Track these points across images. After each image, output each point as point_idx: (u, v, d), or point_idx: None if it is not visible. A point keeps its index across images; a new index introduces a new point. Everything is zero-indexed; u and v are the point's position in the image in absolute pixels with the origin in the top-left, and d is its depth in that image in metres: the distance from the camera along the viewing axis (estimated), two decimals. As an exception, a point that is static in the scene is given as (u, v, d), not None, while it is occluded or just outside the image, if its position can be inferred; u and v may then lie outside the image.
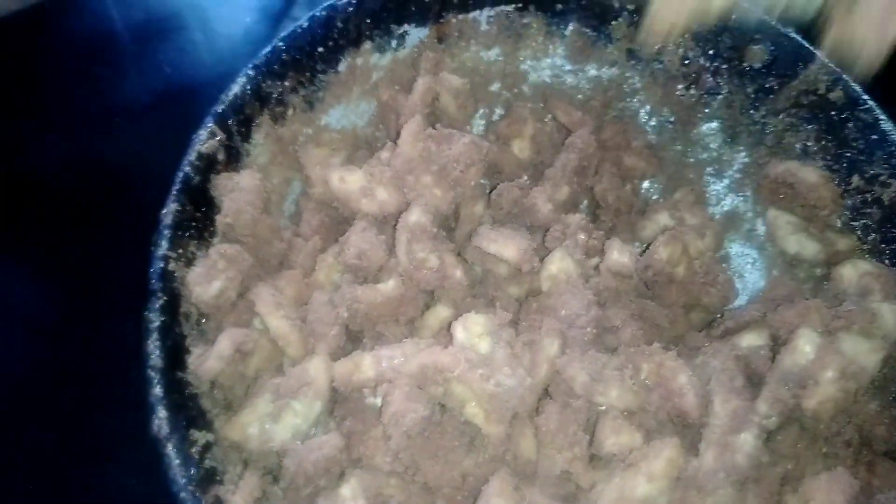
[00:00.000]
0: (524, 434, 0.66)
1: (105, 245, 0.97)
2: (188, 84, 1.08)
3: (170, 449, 0.62)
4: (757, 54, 0.83)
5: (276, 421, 0.67)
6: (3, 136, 1.04)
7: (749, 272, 0.88)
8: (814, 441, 0.68)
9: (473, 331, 0.68)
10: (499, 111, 0.93)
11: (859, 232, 0.80)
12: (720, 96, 0.87)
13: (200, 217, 0.72)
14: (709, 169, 0.91)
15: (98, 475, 0.86)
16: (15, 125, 1.05)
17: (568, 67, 0.92)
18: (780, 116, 0.85)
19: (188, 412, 0.66)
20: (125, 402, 0.69)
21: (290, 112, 0.80)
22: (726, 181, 0.90)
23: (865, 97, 0.78)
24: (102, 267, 0.96)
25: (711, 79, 0.87)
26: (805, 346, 0.66)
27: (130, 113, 1.06)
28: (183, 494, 0.61)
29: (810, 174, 0.79)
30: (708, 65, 0.86)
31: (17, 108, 1.07)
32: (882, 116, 0.77)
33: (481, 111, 0.92)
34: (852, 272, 0.77)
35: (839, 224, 0.81)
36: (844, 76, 0.79)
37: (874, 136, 0.78)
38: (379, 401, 0.69)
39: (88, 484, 0.86)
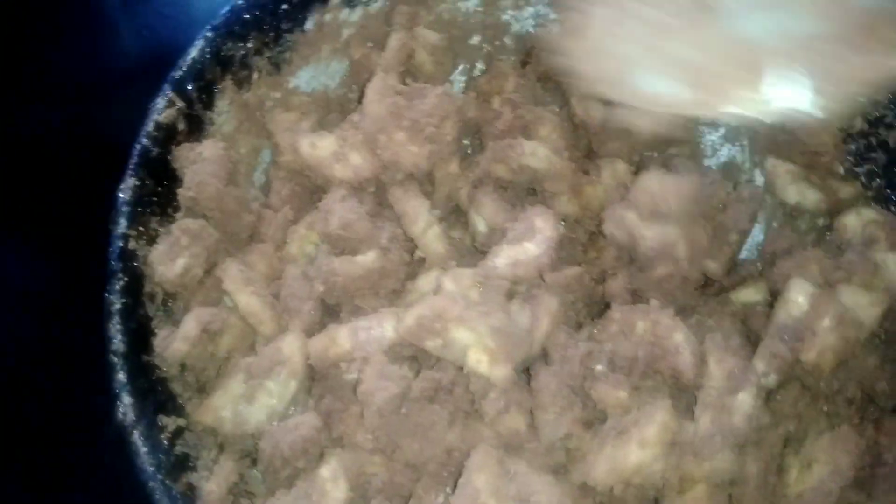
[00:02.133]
0: (511, 403, 0.62)
1: (98, 217, 0.94)
2: (172, 50, 1.04)
3: (136, 436, 0.59)
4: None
5: (250, 402, 0.64)
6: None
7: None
8: (815, 400, 0.64)
9: (463, 283, 0.64)
10: (480, 66, 0.88)
11: (863, 178, 0.76)
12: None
13: (162, 192, 0.68)
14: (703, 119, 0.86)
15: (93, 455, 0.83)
16: None
17: (553, 16, 0.86)
18: (777, 58, 0.79)
19: (156, 397, 0.63)
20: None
21: (255, 76, 0.76)
22: (721, 131, 0.85)
23: (868, 33, 0.73)
24: (95, 239, 0.92)
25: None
26: (798, 296, 0.62)
27: (114, 80, 1.02)
28: (152, 483, 0.59)
29: (809, 120, 0.74)
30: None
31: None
32: (886, 53, 0.72)
33: (461, 67, 0.87)
34: (856, 221, 0.73)
35: (842, 171, 0.77)
36: (845, 11, 0.73)
37: (878, 75, 0.73)
38: (356, 375, 0.66)
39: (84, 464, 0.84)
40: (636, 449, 0.57)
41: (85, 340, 0.84)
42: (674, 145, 0.82)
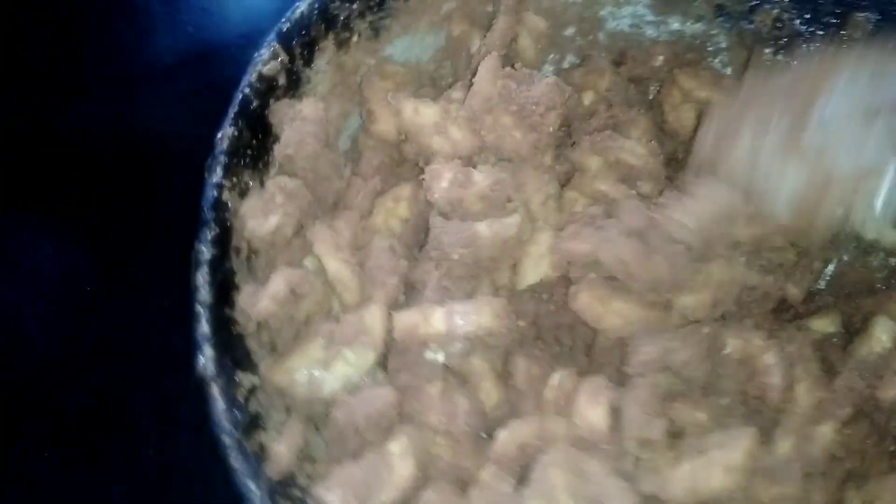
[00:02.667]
0: (596, 403, 0.62)
1: (135, 211, 0.95)
2: (211, 45, 1.03)
3: (215, 390, 0.58)
4: (860, 24, 0.77)
5: (326, 368, 0.64)
6: (29, 101, 1.01)
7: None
8: (882, 438, 0.65)
9: None
10: (570, 58, 0.87)
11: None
12: (811, 65, 0.82)
13: (257, 145, 0.67)
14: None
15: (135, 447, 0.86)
16: (39, 90, 1.02)
17: (650, 18, 0.85)
18: (875, 92, 0.79)
19: (235, 353, 0.62)
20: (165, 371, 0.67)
21: (354, 38, 0.74)
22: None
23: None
24: (133, 233, 0.93)
25: (805, 46, 0.81)
26: (882, 334, 0.63)
27: (154, 76, 1.03)
28: (227, 439, 0.58)
29: None
30: (804, 30, 0.80)
31: (40, 73, 1.03)
32: None
33: (551, 57, 0.86)
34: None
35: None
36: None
37: None
38: (440, 357, 0.65)
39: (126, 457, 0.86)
40: (721, 474, 0.57)
41: (120, 334, 0.87)
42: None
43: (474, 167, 0.68)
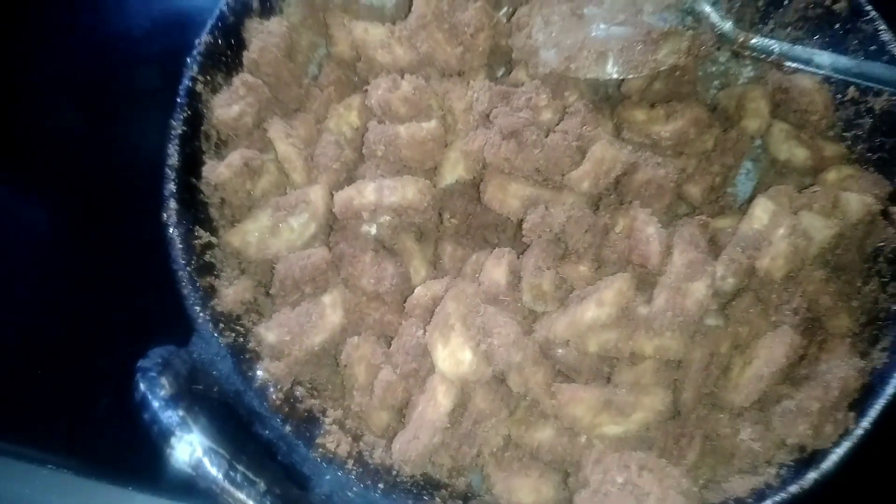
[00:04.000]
0: (498, 264, 0.71)
1: (110, 163, 1.00)
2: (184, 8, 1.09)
3: (174, 233, 0.70)
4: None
5: (273, 234, 0.75)
6: (5, 58, 1.08)
7: (742, 182, 0.91)
8: (765, 310, 0.71)
9: None
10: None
11: (849, 142, 0.83)
12: (733, 10, 0.91)
13: (231, 54, 0.80)
14: (716, 82, 0.94)
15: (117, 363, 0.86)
16: (18, 47, 1.09)
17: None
18: (788, 30, 0.88)
19: (196, 213, 0.74)
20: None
21: (323, -22, 0.88)
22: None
23: (868, 8, 0.81)
24: (107, 183, 0.98)
25: (725, -10, 0.90)
26: (761, 213, 0.70)
27: (128, 37, 1.10)
28: (181, 273, 0.69)
29: (805, 80, 0.82)
30: (722, -24, 0.90)
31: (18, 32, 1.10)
32: (882, 27, 0.80)
33: (504, 9, 0.97)
34: (835, 176, 0.80)
35: (831, 135, 0.84)
36: (849, -14, 0.82)
37: (873, 47, 0.81)
38: (372, 230, 0.76)
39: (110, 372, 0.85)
40: (593, 307, 0.66)
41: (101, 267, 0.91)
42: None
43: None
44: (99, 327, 0.83)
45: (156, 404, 0.54)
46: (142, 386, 0.55)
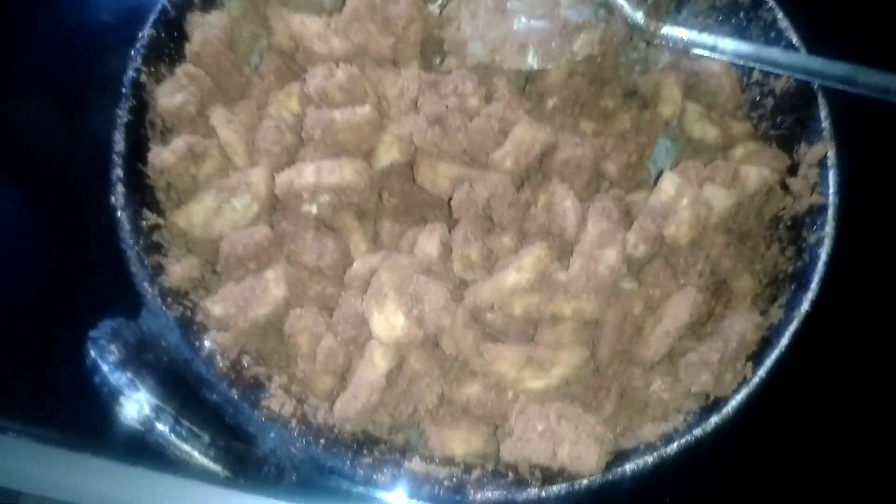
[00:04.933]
0: (431, 237, 0.76)
1: (64, 149, 1.01)
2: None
3: (121, 215, 0.75)
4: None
5: (217, 215, 0.79)
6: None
7: (662, 160, 0.97)
8: (674, 274, 0.78)
9: None
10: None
11: (755, 120, 0.90)
12: (648, 1, 0.97)
13: (174, 46, 0.84)
14: (637, 67, 1.01)
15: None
16: None
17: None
18: (699, 18, 0.95)
19: (143, 196, 0.78)
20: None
21: (262, -27, 0.92)
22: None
23: (767, -1, 0.88)
24: (62, 169, 0.99)
25: (642, -19, 0.97)
26: (668, 186, 0.76)
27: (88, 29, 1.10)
28: (129, 253, 0.74)
29: (714, 65, 0.89)
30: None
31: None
32: (779, 15, 0.87)
33: (438, 1, 1.03)
34: (742, 151, 0.88)
35: (738, 114, 0.91)
36: (751, -22, 0.89)
37: (773, 34, 0.88)
38: (313, 209, 0.80)
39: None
40: (514, 272, 0.72)
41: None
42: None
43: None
44: (54, 304, 0.87)
45: (105, 368, 0.58)
46: (92, 353, 0.59)
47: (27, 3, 1.12)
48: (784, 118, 0.88)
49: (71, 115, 1.00)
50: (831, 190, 0.80)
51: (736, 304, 0.79)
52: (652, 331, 0.76)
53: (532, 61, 0.85)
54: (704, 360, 0.71)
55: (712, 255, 0.78)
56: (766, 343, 0.74)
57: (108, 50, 1.01)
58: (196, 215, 0.79)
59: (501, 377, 0.72)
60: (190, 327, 0.73)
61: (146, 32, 0.82)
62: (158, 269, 0.75)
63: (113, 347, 0.60)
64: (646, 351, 0.75)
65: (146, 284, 0.73)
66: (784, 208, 0.83)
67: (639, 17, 0.86)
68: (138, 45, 0.81)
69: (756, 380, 0.72)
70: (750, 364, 0.73)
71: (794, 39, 0.87)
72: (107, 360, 0.59)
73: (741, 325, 0.74)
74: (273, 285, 0.77)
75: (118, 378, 0.59)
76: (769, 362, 0.72)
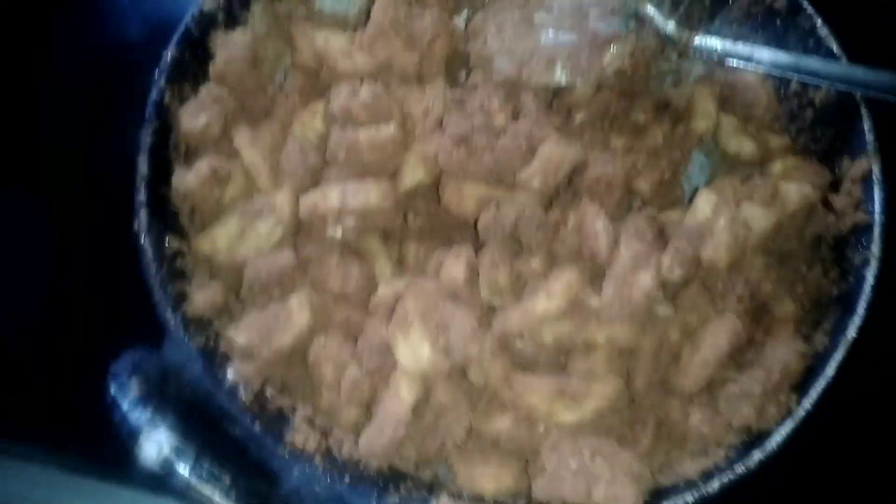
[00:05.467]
0: (457, 261, 0.74)
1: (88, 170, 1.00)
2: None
3: (145, 242, 0.74)
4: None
5: (241, 239, 0.78)
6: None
7: (696, 175, 0.94)
8: (712, 298, 0.75)
9: None
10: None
11: (793, 134, 0.87)
12: (681, 8, 0.94)
13: (197, 66, 0.83)
14: (668, 79, 0.97)
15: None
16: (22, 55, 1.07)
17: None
18: (733, 27, 0.91)
19: (167, 222, 0.77)
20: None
21: (285, -10, 0.90)
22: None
23: (805, 5, 0.84)
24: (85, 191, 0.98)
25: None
26: (704, 205, 0.73)
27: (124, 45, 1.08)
28: (152, 281, 0.73)
29: (749, 76, 0.86)
30: (672, -25, 0.93)
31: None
32: (818, 23, 0.83)
33: (465, 13, 1.00)
34: (781, 167, 0.84)
35: (776, 127, 0.88)
36: (788, -15, 0.85)
37: (812, 42, 0.84)
38: (338, 233, 0.79)
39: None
40: (544, 299, 0.69)
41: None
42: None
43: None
44: (77, 333, 0.86)
45: (125, 405, 0.57)
46: (112, 388, 0.58)
47: (54, 22, 1.12)
48: (825, 131, 0.84)
49: (95, 136, 1.00)
50: (877, 207, 0.76)
51: (778, 329, 0.76)
52: (690, 359, 0.73)
53: (560, 76, 0.82)
54: (746, 392, 0.68)
55: (752, 278, 0.74)
56: (810, 372, 0.71)
57: (134, 69, 0.99)
58: (220, 240, 0.78)
59: (532, 410, 0.69)
60: (213, 358, 0.72)
61: (169, 53, 0.81)
62: (182, 297, 0.74)
63: (133, 383, 0.58)
64: (684, 381, 0.72)
65: (169, 313, 0.72)
66: (827, 227, 0.79)
67: (670, 27, 0.83)
68: (161, 65, 0.80)
69: (801, 412, 0.68)
70: (794, 395, 0.69)
71: (835, 47, 0.83)
72: (127, 397, 0.57)
73: (784, 353, 0.71)
74: (297, 313, 0.75)
75: (137, 417, 0.57)
76: (815, 393, 0.69)
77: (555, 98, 0.88)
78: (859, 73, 0.78)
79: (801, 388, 0.70)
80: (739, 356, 0.74)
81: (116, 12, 1.09)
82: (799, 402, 0.69)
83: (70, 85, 1.05)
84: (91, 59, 1.07)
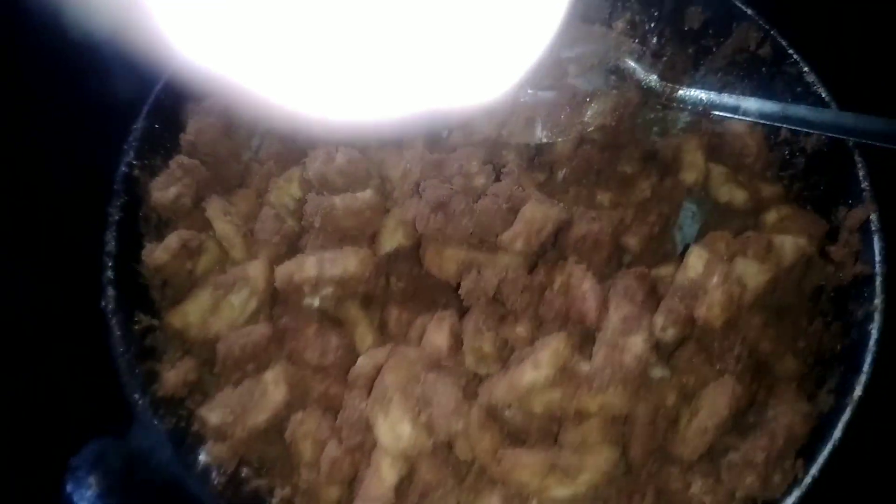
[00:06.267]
0: (440, 328, 0.71)
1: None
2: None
3: (113, 322, 0.70)
4: (694, 15, 0.89)
5: (214, 313, 0.75)
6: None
7: (688, 224, 0.91)
8: (709, 358, 0.71)
9: None
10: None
11: (786, 181, 0.84)
12: (664, 58, 0.93)
13: (168, 136, 0.81)
14: (655, 128, 0.95)
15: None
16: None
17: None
18: (718, 75, 0.90)
19: (136, 298, 0.74)
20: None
21: (261, 56, 0.89)
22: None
23: (791, 51, 0.83)
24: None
25: (656, 41, 0.92)
26: (695, 261, 0.70)
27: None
28: (120, 360, 0.69)
29: (737, 124, 0.83)
30: (652, 26, 0.92)
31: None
32: (805, 69, 0.82)
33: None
34: (775, 216, 0.81)
35: (768, 175, 0.85)
36: (772, 32, 0.84)
37: (799, 89, 0.82)
38: (315, 302, 0.76)
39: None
40: (530, 369, 0.65)
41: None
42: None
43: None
44: (38, 415, 0.81)
45: (81, 505, 0.54)
46: (68, 486, 0.54)
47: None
48: (818, 179, 0.81)
49: (62, 207, 0.96)
50: (877, 257, 0.73)
51: (780, 388, 0.72)
52: (688, 424, 0.69)
53: (541, 134, 0.80)
54: (749, 461, 0.64)
55: (749, 336, 0.71)
56: (816, 435, 0.66)
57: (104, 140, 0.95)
58: (192, 315, 0.75)
59: (523, 486, 0.65)
60: (184, 440, 0.68)
61: (139, 125, 0.79)
62: (152, 377, 0.71)
63: (92, 479, 0.55)
64: (682, 449, 0.67)
65: (137, 396, 0.68)
66: (826, 278, 0.76)
67: (653, 80, 0.81)
68: (130, 138, 0.78)
69: (808, 479, 0.64)
70: (800, 461, 0.65)
71: (824, 94, 0.81)
72: (84, 497, 0.54)
73: (787, 415, 0.67)
74: (273, 388, 0.71)
75: (94, 519, 0.53)
76: (822, 458, 0.65)
77: (536, 155, 0.86)
78: (850, 119, 0.76)
79: (807, 453, 0.66)
80: (741, 418, 0.70)
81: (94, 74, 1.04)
82: (806, 470, 0.64)
83: (38, 152, 1.01)
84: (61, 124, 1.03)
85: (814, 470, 0.64)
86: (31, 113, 0.98)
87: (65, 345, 0.80)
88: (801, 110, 0.78)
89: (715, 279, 0.69)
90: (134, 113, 0.80)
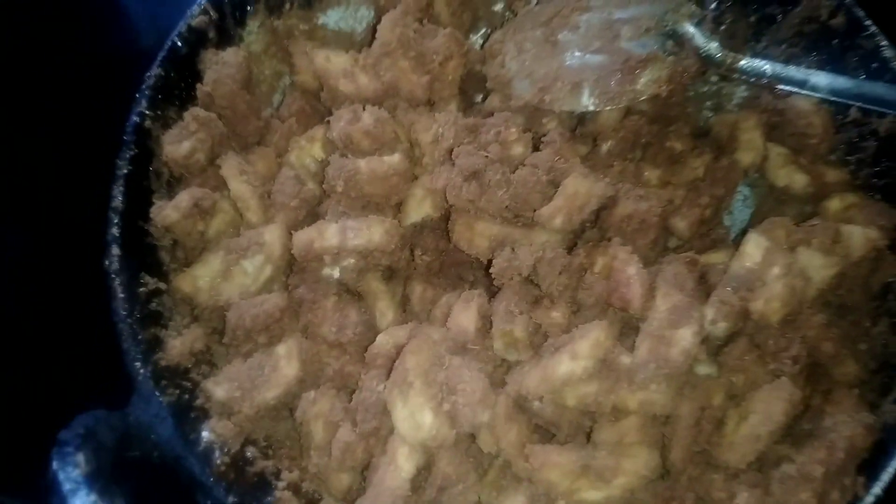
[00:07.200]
0: (467, 308, 0.65)
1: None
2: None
3: (115, 283, 0.65)
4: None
5: (225, 279, 0.69)
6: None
7: (739, 209, 0.85)
8: (762, 357, 0.65)
9: None
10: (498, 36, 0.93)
11: (853, 166, 0.77)
12: (723, 27, 0.85)
13: (185, 87, 0.75)
14: (707, 103, 0.88)
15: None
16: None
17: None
18: (783, 47, 0.82)
19: (143, 258, 0.69)
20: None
21: (287, 5, 0.82)
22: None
23: (868, 23, 0.75)
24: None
25: (715, 6, 0.84)
26: (753, 249, 0.63)
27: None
28: (121, 325, 0.64)
29: (802, 101, 0.76)
30: (712, -11, 0.84)
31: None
32: (884, 43, 0.74)
33: (483, 31, 0.92)
34: (838, 204, 0.74)
35: (833, 159, 0.78)
36: (847, 1, 0.76)
37: (875, 65, 0.74)
38: (335, 273, 0.70)
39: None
40: (567, 360, 0.60)
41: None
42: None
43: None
44: (30, 387, 0.76)
45: (66, 487, 0.48)
46: (54, 464, 0.49)
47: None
48: (891, 164, 0.74)
49: (73, 163, 0.90)
50: (955, 255, 0.66)
51: (838, 395, 0.65)
52: (736, 429, 0.63)
53: (588, 102, 0.73)
54: (805, 475, 0.57)
55: (809, 335, 0.64)
56: (880, 449, 0.60)
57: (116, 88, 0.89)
58: (202, 279, 0.69)
59: (551, 487, 0.59)
60: (186, 415, 0.63)
61: (153, 73, 0.73)
62: (155, 344, 0.65)
63: (80, 457, 0.50)
64: (729, 455, 0.61)
65: (138, 364, 0.63)
66: (894, 275, 0.69)
67: (713, 48, 0.74)
68: (143, 86, 0.72)
69: (870, 499, 0.58)
70: (861, 479, 0.59)
71: (903, 71, 0.73)
72: (70, 476, 0.48)
73: (848, 426, 0.60)
74: (285, 363, 0.66)
75: (80, 502, 0.48)
76: (886, 476, 0.58)
77: (579, 125, 0.79)
78: (932, 99, 0.69)
79: (869, 469, 0.59)
80: (794, 427, 0.63)
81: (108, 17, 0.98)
82: (868, 488, 0.58)
83: (44, 98, 0.95)
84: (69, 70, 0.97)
85: (877, 489, 0.58)
86: (37, 57, 0.92)
87: (62, 306, 0.75)
88: (878, 87, 0.70)
89: (776, 270, 0.62)
90: (149, 61, 0.75)
